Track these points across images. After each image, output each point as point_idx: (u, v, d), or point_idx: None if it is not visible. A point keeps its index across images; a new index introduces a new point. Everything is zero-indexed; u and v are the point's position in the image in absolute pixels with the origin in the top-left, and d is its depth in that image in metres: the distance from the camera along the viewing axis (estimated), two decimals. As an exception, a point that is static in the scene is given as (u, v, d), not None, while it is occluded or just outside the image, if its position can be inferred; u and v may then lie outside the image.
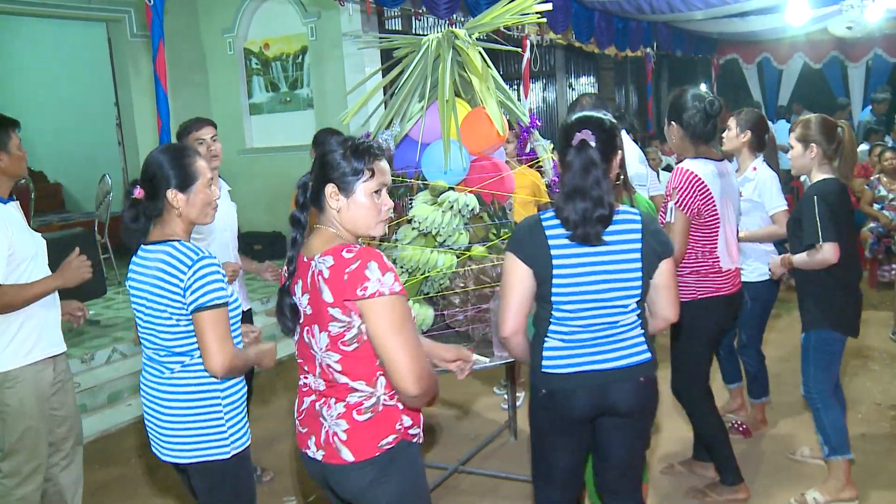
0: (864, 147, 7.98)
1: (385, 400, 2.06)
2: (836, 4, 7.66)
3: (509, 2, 3.39)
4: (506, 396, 4.56)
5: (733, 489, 3.47)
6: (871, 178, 7.21)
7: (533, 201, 4.17)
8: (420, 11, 5.99)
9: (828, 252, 3.26)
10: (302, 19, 7.43)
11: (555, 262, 2.29)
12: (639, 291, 2.34)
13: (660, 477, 3.81)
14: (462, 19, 6.23)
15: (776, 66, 12.50)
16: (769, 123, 4.40)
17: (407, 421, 2.10)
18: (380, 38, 4.55)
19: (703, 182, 3.24)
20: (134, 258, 2.36)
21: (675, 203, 3.22)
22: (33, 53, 10.37)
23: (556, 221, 2.32)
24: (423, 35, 3.63)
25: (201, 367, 2.29)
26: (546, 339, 2.39)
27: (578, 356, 2.37)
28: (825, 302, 3.41)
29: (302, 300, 2.07)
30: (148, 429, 2.42)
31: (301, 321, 2.10)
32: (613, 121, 2.39)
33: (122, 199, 2.35)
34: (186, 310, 2.22)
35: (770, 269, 3.66)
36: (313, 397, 2.13)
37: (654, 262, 2.35)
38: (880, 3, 7.51)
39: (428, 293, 3.25)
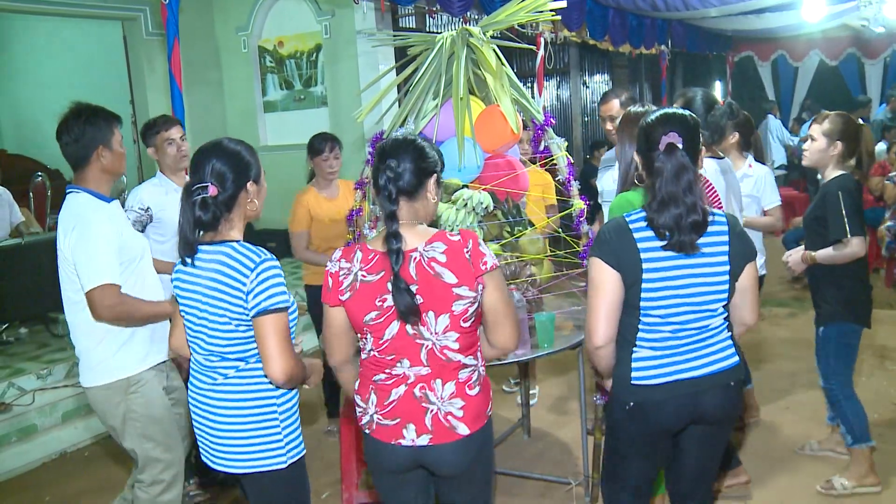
0: (882, 146, 7.90)
1: (482, 370, 2.22)
2: (854, 0, 7.60)
3: (523, -1, 3.38)
4: (519, 393, 4.55)
5: (734, 473, 3.52)
6: (890, 174, 7.15)
7: (542, 199, 4.18)
8: (434, 9, 5.98)
9: (856, 246, 3.31)
10: (316, 17, 7.43)
11: (644, 266, 2.21)
12: (727, 295, 2.29)
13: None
14: (476, 17, 6.23)
15: (792, 64, 12.42)
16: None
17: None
18: (394, 35, 4.56)
19: (707, 181, 3.22)
20: (183, 261, 2.25)
21: None
22: (49, 52, 10.43)
23: (645, 224, 2.24)
24: (437, 33, 3.63)
25: (256, 373, 2.22)
26: (635, 348, 2.31)
27: (670, 364, 2.29)
28: (846, 295, 3.45)
29: (400, 284, 2.08)
30: (199, 437, 2.35)
31: (399, 318, 2.12)
32: (695, 117, 2.32)
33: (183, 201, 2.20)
34: (247, 314, 2.13)
35: (790, 267, 3.63)
36: (404, 387, 2.15)
37: (741, 264, 2.30)
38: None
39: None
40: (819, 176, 3.64)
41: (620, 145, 2.84)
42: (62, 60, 10.31)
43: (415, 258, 2.09)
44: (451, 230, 3.20)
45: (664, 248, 2.21)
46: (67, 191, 2.85)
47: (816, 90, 12.34)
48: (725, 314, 2.34)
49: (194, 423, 2.36)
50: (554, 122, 3.47)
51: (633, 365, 2.31)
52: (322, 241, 4.36)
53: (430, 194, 2.19)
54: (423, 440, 2.14)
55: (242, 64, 8.03)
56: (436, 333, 2.11)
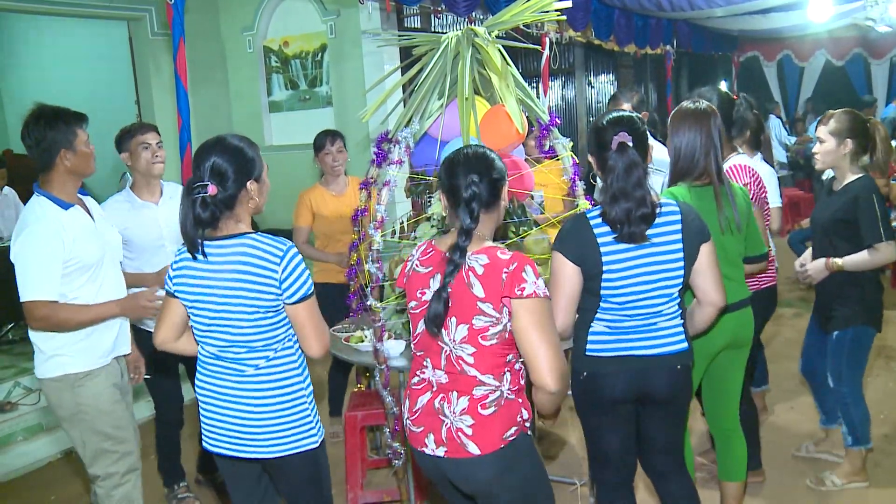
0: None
1: (508, 394, 2.19)
2: (860, 0, 7.57)
3: (529, -1, 3.38)
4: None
5: (754, 473, 3.54)
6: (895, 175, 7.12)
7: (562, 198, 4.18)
8: (439, 9, 5.99)
9: (891, 251, 3.28)
10: (321, 17, 7.43)
11: (604, 258, 2.38)
12: (681, 280, 2.45)
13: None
14: (481, 17, 6.23)
15: (797, 64, 12.39)
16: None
17: (525, 414, 2.23)
18: (399, 35, 4.56)
19: (758, 174, 3.38)
20: (188, 257, 2.24)
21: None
22: (54, 51, 10.45)
23: (602, 220, 2.40)
24: (443, 33, 3.62)
25: (285, 359, 2.31)
26: (592, 324, 2.49)
27: (622, 341, 2.48)
28: (867, 299, 3.44)
29: (442, 294, 2.15)
30: (219, 429, 2.35)
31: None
32: (642, 119, 2.49)
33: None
34: (279, 301, 2.20)
35: (809, 275, 3.55)
36: (429, 395, 2.22)
37: (696, 246, 2.45)
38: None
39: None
40: (824, 176, 3.62)
41: (676, 138, 2.88)
42: (68, 60, 10.34)
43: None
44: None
45: (616, 238, 2.38)
46: (34, 191, 2.85)
47: (822, 90, 12.30)
48: (679, 300, 2.49)
49: (210, 417, 2.36)
50: (559, 122, 3.47)
51: (589, 339, 2.50)
52: (325, 238, 4.36)
53: (504, 203, 2.27)
54: (440, 451, 2.20)
55: (248, 64, 8.03)
56: (453, 340, 2.16)
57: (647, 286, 2.41)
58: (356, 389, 4.06)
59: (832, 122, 3.41)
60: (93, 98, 10.27)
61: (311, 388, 2.40)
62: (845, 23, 8.94)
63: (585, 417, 2.65)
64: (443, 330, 2.16)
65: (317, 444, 2.37)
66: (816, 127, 3.54)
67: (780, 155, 11.02)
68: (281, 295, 2.19)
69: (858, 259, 3.34)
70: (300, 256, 2.23)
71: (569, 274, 2.42)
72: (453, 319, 2.15)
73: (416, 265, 2.27)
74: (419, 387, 2.26)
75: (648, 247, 2.39)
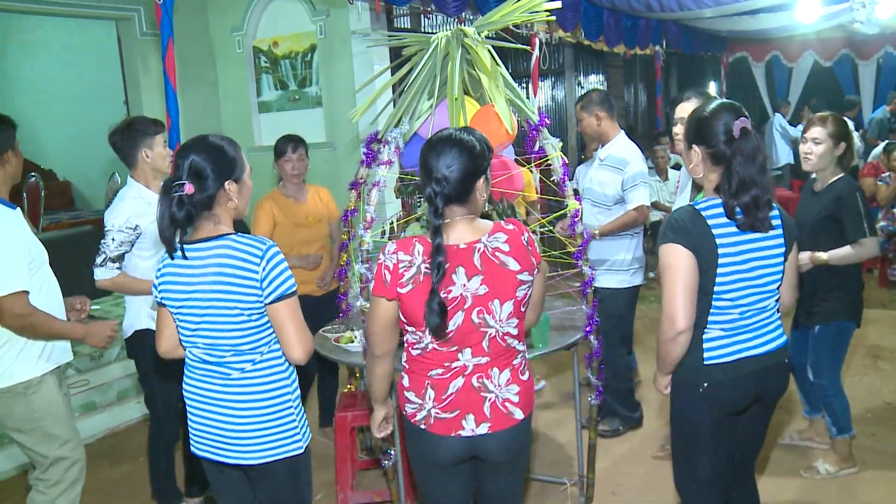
0: (879, 148, 7.91)
1: (526, 353, 2.35)
2: (847, 2, 7.61)
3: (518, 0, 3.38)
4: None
5: None
6: (883, 175, 7.17)
7: (523, 198, 4.20)
8: (429, 10, 5.98)
9: (873, 246, 3.44)
10: (311, 17, 7.42)
11: (720, 250, 2.30)
12: (781, 275, 2.42)
13: (656, 462, 4.00)
14: (471, 17, 6.22)
15: (786, 65, 12.42)
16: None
17: None
18: (389, 36, 4.55)
19: None
20: (170, 261, 2.23)
21: None
22: (43, 51, 10.40)
23: (717, 211, 2.32)
24: (432, 33, 3.62)
25: (271, 363, 2.27)
26: (706, 329, 2.38)
27: (738, 342, 2.40)
28: (850, 295, 3.58)
29: (469, 285, 2.14)
30: (205, 434, 2.33)
31: (465, 307, 2.15)
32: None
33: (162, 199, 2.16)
34: (262, 302, 2.17)
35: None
36: (461, 379, 2.22)
37: (791, 243, 2.44)
38: (891, 1, 7.45)
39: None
40: (813, 176, 3.66)
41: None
42: (56, 60, 10.28)
43: (479, 249, 2.17)
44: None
45: (741, 227, 2.30)
46: None
47: (811, 91, 12.34)
48: (778, 296, 2.46)
49: (196, 421, 2.34)
50: (549, 122, 3.48)
51: (705, 346, 2.39)
52: (286, 247, 4.11)
53: (482, 191, 2.24)
54: (483, 429, 2.23)
55: (237, 64, 8.01)
56: (500, 321, 2.19)
57: (756, 280, 2.35)
58: (346, 390, 4.06)
59: (830, 125, 3.49)
60: (81, 98, 10.24)
61: (298, 392, 2.37)
62: (833, 24, 8.98)
63: (697, 434, 2.45)
64: (487, 315, 2.16)
65: (301, 450, 2.34)
66: (805, 129, 3.60)
67: (783, 153, 11.06)
68: (262, 294, 2.16)
69: (842, 253, 3.45)
70: (281, 255, 2.20)
71: (686, 262, 2.28)
72: (496, 301, 2.17)
73: (426, 269, 2.13)
74: (446, 375, 2.22)
75: (759, 240, 2.34)
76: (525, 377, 2.30)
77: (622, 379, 4.36)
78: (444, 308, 2.10)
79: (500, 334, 2.21)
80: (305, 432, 2.37)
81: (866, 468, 3.75)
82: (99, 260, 3.27)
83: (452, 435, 2.24)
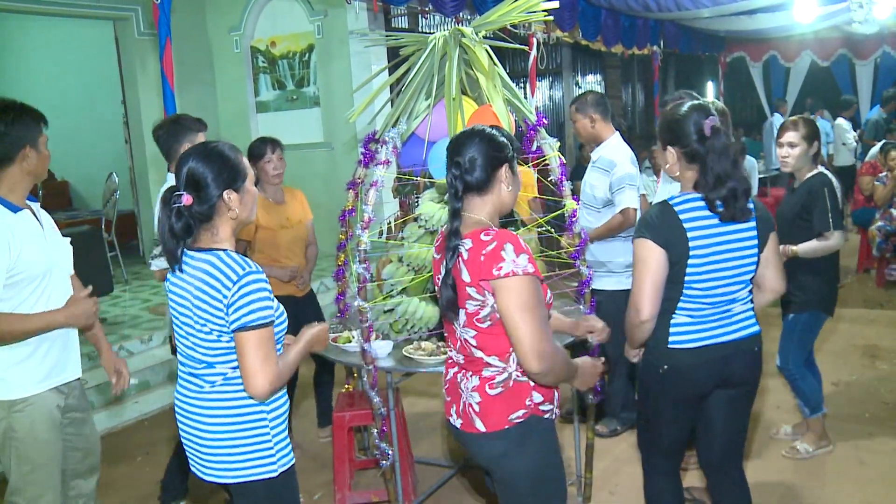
0: (875, 148, 7.91)
1: (516, 376, 2.19)
2: (845, 2, 7.62)
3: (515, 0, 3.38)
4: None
5: None
6: (880, 175, 7.18)
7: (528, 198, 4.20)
8: (426, 9, 5.99)
9: (839, 239, 3.60)
10: (308, 17, 7.43)
11: (691, 243, 2.40)
12: (755, 266, 2.51)
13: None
14: (469, 17, 6.23)
15: (783, 65, 12.44)
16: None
17: (537, 397, 2.21)
18: (386, 35, 4.54)
19: None
20: (172, 268, 2.18)
21: None
22: (41, 51, 10.40)
23: (690, 205, 2.43)
24: (430, 33, 3.62)
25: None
26: (674, 315, 2.50)
27: (704, 330, 2.50)
28: (824, 287, 3.76)
29: (448, 280, 2.20)
30: (186, 447, 2.27)
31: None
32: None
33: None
34: (227, 326, 2.06)
35: None
36: (455, 369, 2.30)
37: (766, 234, 2.52)
38: (889, 1, 7.46)
39: (434, 291, 3.24)
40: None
41: None
42: (54, 60, 10.29)
43: (453, 248, 2.19)
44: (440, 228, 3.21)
45: (721, 219, 2.41)
46: None
47: (808, 91, 12.36)
48: (750, 286, 2.54)
49: (182, 433, 2.29)
50: (546, 122, 3.48)
51: (671, 330, 2.51)
52: (272, 250, 4.08)
53: (505, 182, 2.20)
54: (458, 423, 2.27)
55: (235, 64, 8.02)
56: (460, 326, 2.21)
57: (728, 271, 2.45)
58: (344, 390, 4.05)
59: (802, 128, 3.70)
60: (79, 98, 10.24)
61: (279, 413, 2.25)
62: (831, 24, 8.99)
63: (654, 410, 2.64)
64: (454, 316, 2.20)
65: (275, 474, 2.20)
66: (781, 133, 3.76)
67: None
68: (226, 320, 2.05)
69: (810, 247, 3.64)
70: (260, 286, 2.07)
71: (656, 258, 2.42)
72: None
73: (435, 254, 2.32)
74: (449, 361, 2.36)
75: (731, 233, 2.44)
76: (494, 392, 2.17)
77: (620, 380, 4.36)
78: (454, 288, 2.16)
79: (462, 339, 2.21)
80: (282, 455, 2.23)
81: (865, 468, 3.75)
82: (157, 251, 3.23)
83: (448, 417, 2.35)
